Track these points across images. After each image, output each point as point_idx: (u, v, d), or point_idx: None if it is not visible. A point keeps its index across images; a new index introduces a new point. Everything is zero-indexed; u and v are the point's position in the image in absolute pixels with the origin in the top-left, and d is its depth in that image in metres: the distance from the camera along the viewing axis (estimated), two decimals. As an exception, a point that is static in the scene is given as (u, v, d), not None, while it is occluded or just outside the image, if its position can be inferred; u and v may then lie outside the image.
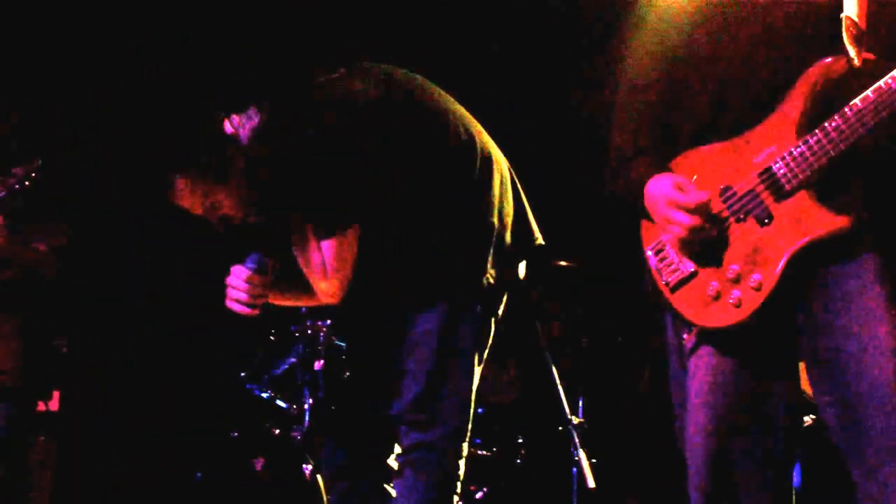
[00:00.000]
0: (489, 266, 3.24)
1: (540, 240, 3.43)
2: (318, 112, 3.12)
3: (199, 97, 3.27)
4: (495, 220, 3.24)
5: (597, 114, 3.20)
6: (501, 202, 3.29)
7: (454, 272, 3.22)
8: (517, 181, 3.42)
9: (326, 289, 3.20)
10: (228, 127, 3.14)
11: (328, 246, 3.13)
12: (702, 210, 2.52)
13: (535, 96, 6.06)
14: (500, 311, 3.36)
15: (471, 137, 3.27)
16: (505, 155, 3.43)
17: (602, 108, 3.01)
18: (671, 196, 2.55)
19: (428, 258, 3.22)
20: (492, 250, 3.24)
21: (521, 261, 3.39)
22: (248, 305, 3.21)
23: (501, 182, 3.31)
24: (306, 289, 3.26)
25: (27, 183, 4.24)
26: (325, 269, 3.15)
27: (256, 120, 3.15)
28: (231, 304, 3.23)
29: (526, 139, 5.57)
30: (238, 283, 3.20)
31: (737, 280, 2.52)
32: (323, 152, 3.09)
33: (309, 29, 5.79)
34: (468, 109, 3.37)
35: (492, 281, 3.25)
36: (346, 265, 3.15)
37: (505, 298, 3.37)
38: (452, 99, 3.34)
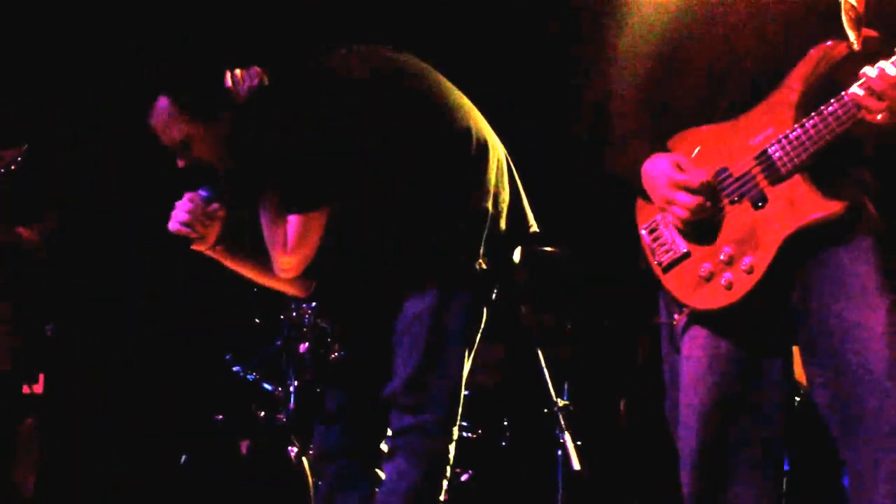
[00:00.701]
0: (482, 252, 3.23)
1: (535, 227, 3.43)
2: (311, 87, 3.14)
3: (209, 47, 3.29)
4: (490, 205, 3.24)
5: (588, 100, 3.21)
6: (497, 188, 3.29)
7: (446, 256, 3.22)
8: (514, 168, 3.42)
9: (283, 263, 3.22)
10: (228, 80, 3.17)
11: (293, 221, 3.14)
12: (704, 189, 2.53)
13: (529, 85, 6.05)
14: (492, 297, 3.36)
15: (467, 123, 3.26)
16: (504, 140, 3.43)
17: (595, 94, 3.01)
18: (672, 176, 2.55)
19: (420, 242, 3.22)
20: (485, 236, 3.24)
21: (515, 247, 3.39)
22: (187, 226, 3.22)
23: (498, 168, 3.31)
24: (268, 262, 3.28)
25: (13, 167, 4.21)
26: (287, 242, 3.16)
27: (256, 82, 3.17)
28: (171, 225, 3.24)
29: (518, 128, 5.59)
30: (184, 205, 3.23)
31: (729, 262, 2.53)
32: (307, 127, 3.10)
33: (314, 8, 5.77)
34: (468, 92, 3.37)
35: (484, 266, 3.25)
36: (307, 244, 3.17)
37: (497, 282, 3.37)
38: (451, 85, 3.34)
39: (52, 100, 5.51)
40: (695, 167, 2.56)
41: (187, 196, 3.24)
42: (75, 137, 5.43)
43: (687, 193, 2.53)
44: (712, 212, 2.55)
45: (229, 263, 3.41)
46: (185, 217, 3.22)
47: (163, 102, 3.13)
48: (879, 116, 2.34)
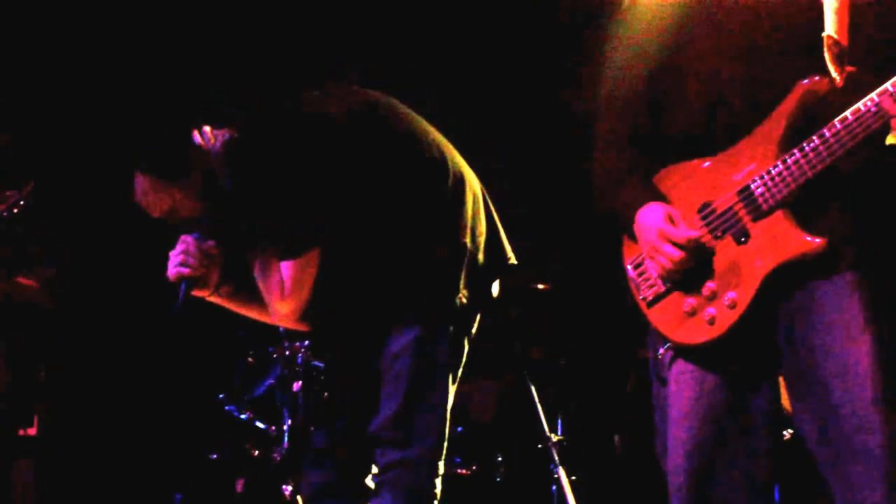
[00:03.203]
0: (462, 286, 3.25)
1: (513, 259, 3.45)
2: (288, 131, 3.16)
3: (176, 107, 3.32)
4: (468, 240, 3.26)
5: (577, 133, 3.23)
6: (474, 222, 3.31)
7: (427, 293, 3.23)
8: (489, 201, 3.44)
9: (281, 309, 3.23)
10: (197, 137, 3.19)
11: (287, 267, 3.15)
12: (690, 246, 2.55)
13: (513, 115, 6.08)
14: (473, 331, 3.37)
15: (443, 157, 3.29)
16: (483, 176, 3.45)
17: (582, 126, 3.03)
18: (662, 228, 2.57)
19: (401, 279, 3.23)
20: (464, 270, 3.25)
21: (494, 280, 3.41)
22: (185, 266, 3.21)
23: (474, 202, 3.33)
24: (263, 302, 3.29)
25: (15, 210, 4.19)
26: (283, 289, 3.18)
27: (227, 136, 3.20)
28: (170, 271, 3.24)
29: (504, 159, 5.62)
30: (178, 248, 3.24)
31: (712, 297, 2.54)
32: (289, 171, 3.11)
33: (287, 48, 5.81)
34: (451, 127, 3.40)
35: (465, 301, 3.26)
36: (303, 288, 3.18)
37: (478, 318, 3.39)
38: (424, 120, 3.36)
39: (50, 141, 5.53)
40: (685, 220, 2.58)
41: (181, 239, 3.25)
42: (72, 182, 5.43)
43: (674, 247, 2.55)
44: (694, 263, 2.57)
45: (234, 307, 3.42)
46: (181, 258, 3.22)
47: (140, 179, 3.16)
48: None
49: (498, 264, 3.39)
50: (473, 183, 3.38)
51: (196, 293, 3.30)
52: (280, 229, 3.14)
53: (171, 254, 3.24)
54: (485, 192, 3.44)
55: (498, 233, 3.42)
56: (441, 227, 3.23)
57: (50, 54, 5.83)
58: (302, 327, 3.49)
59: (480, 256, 3.31)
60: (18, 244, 4.48)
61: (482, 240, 3.33)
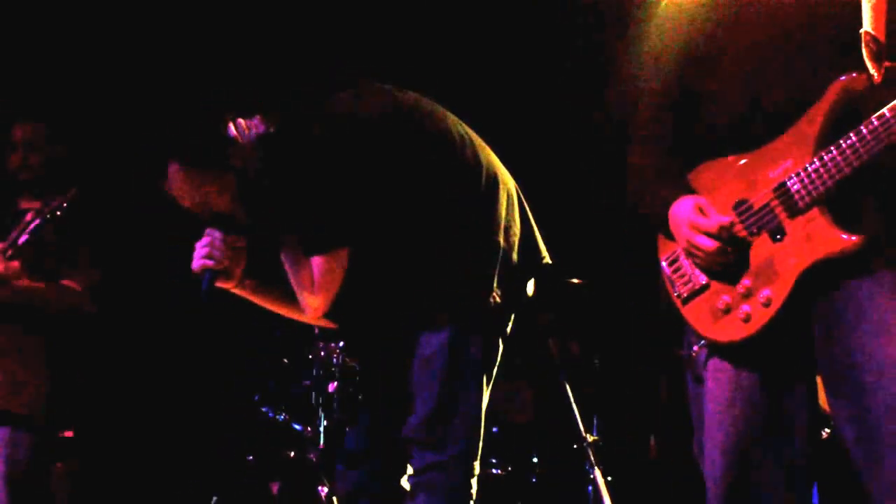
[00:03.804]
0: (495, 285, 3.24)
1: (547, 258, 3.44)
2: (322, 128, 3.16)
3: (211, 98, 3.31)
4: (501, 239, 3.25)
5: (610, 131, 3.22)
6: (508, 221, 3.30)
7: (461, 292, 3.23)
8: (524, 201, 3.43)
9: (311, 303, 3.23)
10: (232, 129, 3.19)
11: (317, 262, 3.16)
12: (722, 234, 2.53)
13: (548, 114, 6.08)
14: (507, 330, 3.36)
15: (476, 157, 3.28)
16: (516, 173, 3.44)
17: (614, 126, 3.03)
18: (693, 219, 2.55)
19: (435, 278, 3.23)
20: (498, 269, 3.24)
21: (528, 280, 3.40)
22: (210, 258, 3.22)
23: (508, 201, 3.32)
24: (291, 299, 3.30)
25: (58, 213, 4.22)
26: (313, 283, 3.18)
27: (262, 129, 3.20)
28: (195, 264, 3.24)
29: (539, 158, 5.61)
30: (203, 241, 3.25)
31: (747, 295, 2.52)
32: (322, 169, 3.12)
33: (322, 46, 5.82)
34: (480, 126, 3.39)
35: (498, 300, 3.25)
36: (333, 283, 3.18)
37: (512, 317, 3.38)
38: (459, 119, 3.36)
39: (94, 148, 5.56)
40: (716, 210, 2.56)
41: (207, 232, 3.26)
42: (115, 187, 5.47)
43: (707, 237, 2.54)
44: (733, 255, 2.55)
45: (259, 300, 3.43)
46: (206, 251, 3.23)
47: (173, 168, 3.16)
48: None
49: (532, 264, 3.38)
50: (508, 182, 3.37)
51: (220, 285, 3.31)
52: (308, 225, 3.14)
53: (197, 245, 3.25)
54: (520, 191, 3.43)
55: (533, 232, 3.41)
56: (474, 227, 3.22)
57: (86, 61, 5.88)
58: (329, 324, 3.50)
59: (514, 255, 3.30)
60: (63, 248, 4.51)
61: (516, 239, 3.32)
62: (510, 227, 3.30)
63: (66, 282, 4.53)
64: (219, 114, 3.21)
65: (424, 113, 3.28)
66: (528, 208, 3.43)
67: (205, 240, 3.25)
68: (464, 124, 3.35)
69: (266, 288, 3.40)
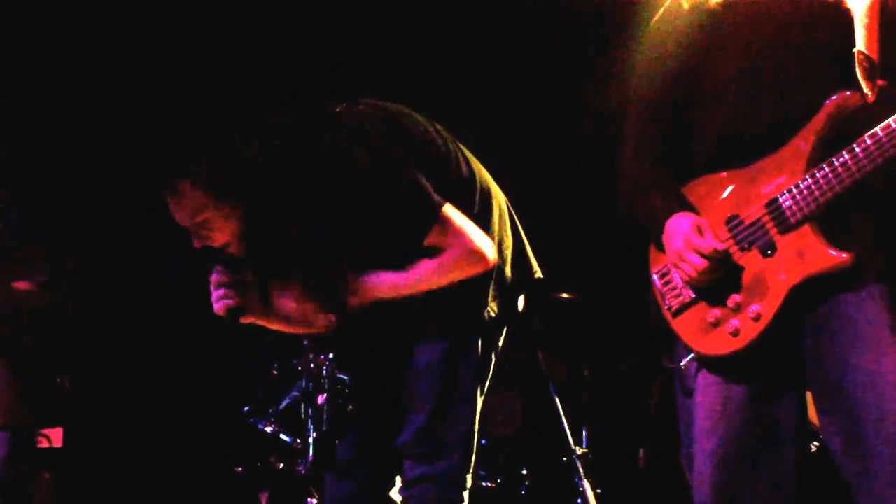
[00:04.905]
0: (490, 299, 3.25)
1: (539, 273, 3.44)
2: (329, 151, 3.11)
3: (224, 118, 3.22)
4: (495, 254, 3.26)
5: (603, 142, 3.22)
6: (501, 235, 3.30)
7: (456, 305, 3.23)
8: (515, 215, 3.43)
9: (479, 260, 3.15)
10: (245, 151, 3.09)
11: (439, 233, 3.10)
12: (715, 256, 2.54)
13: (540, 126, 6.08)
14: (500, 344, 3.37)
15: (470, 172, 3.28)
16: (509, 187, 3.44)
17: (606, 139, 3.03)
18: (689, 237, 2.57)
19: (430, 292, 3.22)
20: (492, 284, 3.25)
21: (520, 294, 3.40)
22: (228, 298, 3.13)
23: (500, 216, 3.33)
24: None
25: None
26: (467, 250, 3.12)
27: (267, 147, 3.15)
28: (216, 308, 3.16)
29: (531, 172, 5.62)
30: (215, 283, 3.15)
31: (737, 309, 2.54)
32: (330, 189, 3.10)
33: (313, 63, 5.82)
34: (472, 140, 3.39)
35: (493, 314, 3.26)
36: (468, 227, 3.12)
37: (505, 331, 3.38)
38: (450, 135, 3.35)
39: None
40: (712, 231, 2.58)
41: (215, 271, 3.16)
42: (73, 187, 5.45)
43: (698, 256, 2.55)
44: (719, 274, 2.56)
45: (283, 327, 3.37)
46: (221, 292, 3.14)
47: (182, 185, 3.03)
48: None
49: (524, 278, 3.39)
50: (499, 196, 3.38)
51: (245, 321, 3.24)
52: (409, 204, 3.09)
53: (212, 289, 3.16)
54: (510, 205, 3.43)
55: (524, 246, 3.42)
56: None
57: (36, 56, 5.85)
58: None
59: (507, 270, 3.30)
60: (10, 251, 4.50)
61: (509, 253, 3.32)
62: (503, 240, 3.31)
63: (17, 284, 4.52)
64: (232, 133, 3.08)
65: (419, 129, 3.27)
66: (518, 222, 3.43)
67: (215, 280, 3.15)
68: (455, 140, 3.35)
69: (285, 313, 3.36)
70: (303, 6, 5.92)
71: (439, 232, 3.09)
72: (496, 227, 3.29)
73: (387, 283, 3.18)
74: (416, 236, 3.10)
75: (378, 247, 3.19)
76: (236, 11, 5.87)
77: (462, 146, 3.35)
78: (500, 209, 3.35)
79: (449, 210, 3.10)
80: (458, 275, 3.15)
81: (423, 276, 3.16)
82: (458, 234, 3.11)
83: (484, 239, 3.16)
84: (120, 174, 5.51)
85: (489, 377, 3.33)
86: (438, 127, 3.33)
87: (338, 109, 3.21)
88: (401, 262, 3.15)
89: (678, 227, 2.61)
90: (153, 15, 5.82)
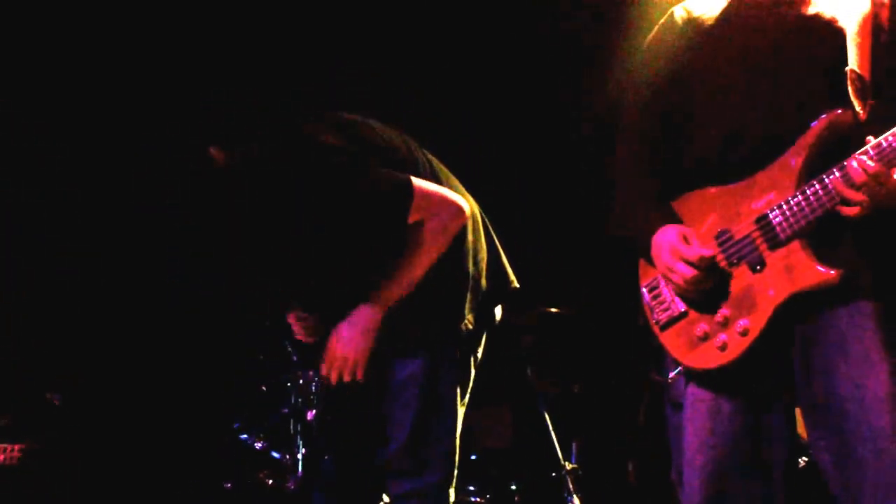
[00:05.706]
0: (467, 311, 3.26)
1: (515, 283, 3.45)
2: (305, 167, 3.14)
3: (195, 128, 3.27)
4: (471, 265, 3.27)
5: (592, 156, 3.23)
6: (475, 247, 3.32)
7: (433, 319, 3.24)
8: (489, 224, 3.44)
9: (459, 214, 3.23)
10: (225, 158, 3.18)
11: (418, 210, 3.17)
12: (703, 264, 2.55)
13: (531, 140, 6.09)
14: (479, 353, 3.38)
15: (438, 181, 3.29)
16: (495, 203, 3.45)
17: (597, 152, 3.04)
18: (676, 247, 2.58)
19: (407, 306, 3.23)
20: (469, 296, 3.26)
21: (497, 304, 3.41)
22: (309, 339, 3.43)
23: (474, 226, 3.34)
24: None
25: None
26: (441, 215, 3.19)
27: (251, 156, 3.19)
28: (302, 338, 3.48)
29: (519, 185, 5.62)
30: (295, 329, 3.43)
31: (725, 324, 2.54)
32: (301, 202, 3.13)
33: (282, 77, 5.81)
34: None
35: (470, 326, 3.28)
36: (438, 193, 3.21)
37: (483, 340, 3.39)
38: (420, 147, 3.36)
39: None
40: (700, 242, 2.58)
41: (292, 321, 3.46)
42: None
43: (686, 265, 2.55)
44: (710, 284, 2.57)
45: None
46: (304, 339, 3.47)
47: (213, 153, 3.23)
48: (854, 210, 2.37)
49: (501, 288, 3.40)
50: (472, 206, 3.38)
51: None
52: (374, 198, 3.17)
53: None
54: (483, 214, 3.43)
55: (499, 255, 3.43)
56: (444, 254, 3.23)
57: (36, 56, 5.84)
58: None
59: (483, 281, 3.31)
60: None
61: (484, 264, 3.34)
62: (478, 252, 3.32)
63: None
64: (205, 143, 3.19)
65: (389, 142, 3.28)
66: (492, 231, 3.44)
67: (295, 329, 3.44)
68: (426, 152, 3.36)
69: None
70: (298, 6, 5.91)
71: (418, 203, 3.14)
72: (470, 237, 3.30)
73: (395, 278, 3.23)
74: (401, 215, 3.14)
75: (371, 243, 3.23)
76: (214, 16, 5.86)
77: (432, 157, 3.36)
78: (475, 219, 3.35)
79: (416, 180, 3.15)
80: (450, 233, 3.21)
81: (423, 250, 3.20)
82: (433, 196, 3.17)
83: (454, 194, 3.23)
84: (111, 178, 5.49)
85: (469, 389, 3.34)
86: (406, 138, 3.35)
87: (305, 124, 3.23)
88: (395, 251, 3.20)
89: (665, 238, 2.62)
90: (153, 14, 5.81)
